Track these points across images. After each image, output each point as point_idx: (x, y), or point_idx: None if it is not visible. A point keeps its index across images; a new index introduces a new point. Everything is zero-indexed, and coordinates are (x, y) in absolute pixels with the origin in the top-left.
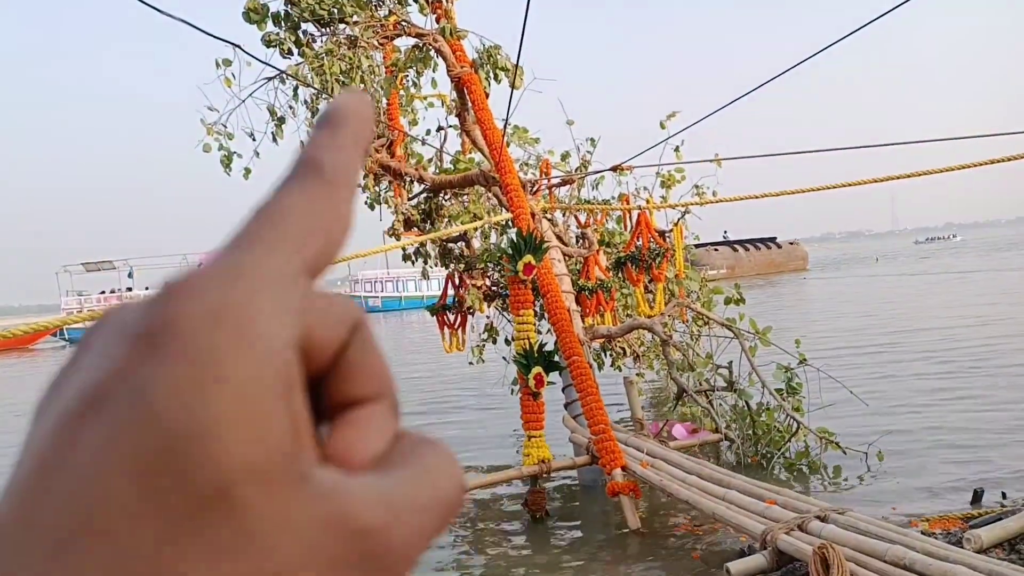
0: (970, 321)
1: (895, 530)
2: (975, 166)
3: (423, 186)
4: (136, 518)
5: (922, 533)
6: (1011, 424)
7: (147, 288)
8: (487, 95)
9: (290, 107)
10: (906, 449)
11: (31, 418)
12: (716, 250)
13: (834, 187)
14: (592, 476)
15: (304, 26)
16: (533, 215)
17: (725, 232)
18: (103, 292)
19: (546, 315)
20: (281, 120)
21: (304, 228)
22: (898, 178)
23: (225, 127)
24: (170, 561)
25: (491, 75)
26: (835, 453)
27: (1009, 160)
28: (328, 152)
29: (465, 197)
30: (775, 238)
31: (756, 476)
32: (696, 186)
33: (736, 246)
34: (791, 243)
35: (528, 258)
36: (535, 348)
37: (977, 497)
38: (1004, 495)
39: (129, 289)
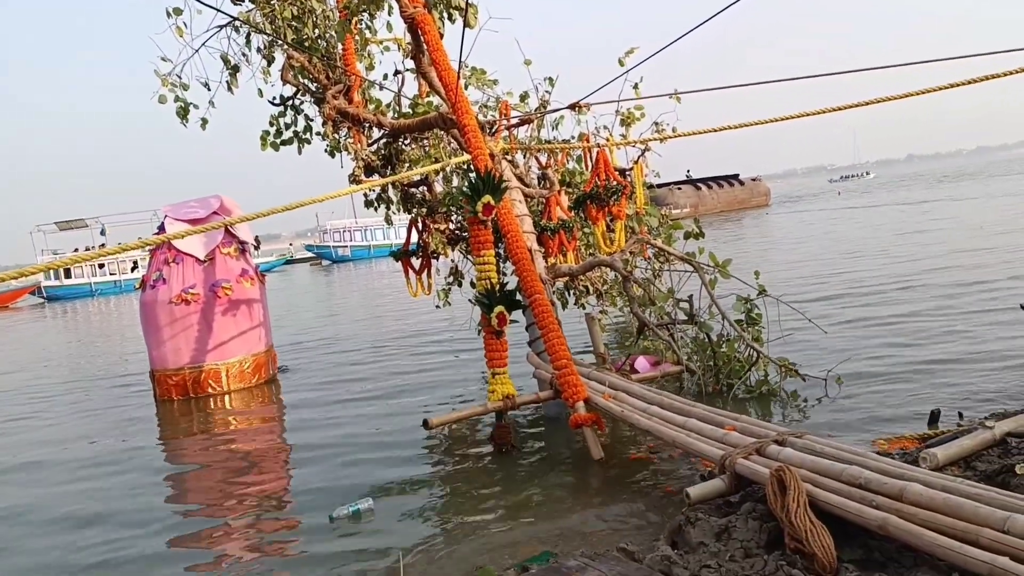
0: (927, 252)
1: (851, 451)
2: (933, 91)
3: (382, 131)
4: None
5: (878, 454)
6: (967, 348)
7: (119, 244)
8: (441, 35)
9: (244, 55)
10: (863, 376)
11: None
12: (679, 189)
13: (790, 118)
14: (556, 410)
15: None
16: (492, 156)
17: (688, 171)
18: (76, 249)
19: (507, 255)
20: (235, 69)
21: None
22: (853, 107)
23: (180, 78)
24: None
25: (445, 15)
26: (795, 382)
27: (968, 84)
28: None
29: (425, 142)
30: (738, 175)
31: (717, 405)
32: (656, 123)
33: (699, 184)
34: (753, 179)
35: (487, 198)
36: (497, 288)
37: (934, 418)
38: (960, 415)
39: (102, 246)
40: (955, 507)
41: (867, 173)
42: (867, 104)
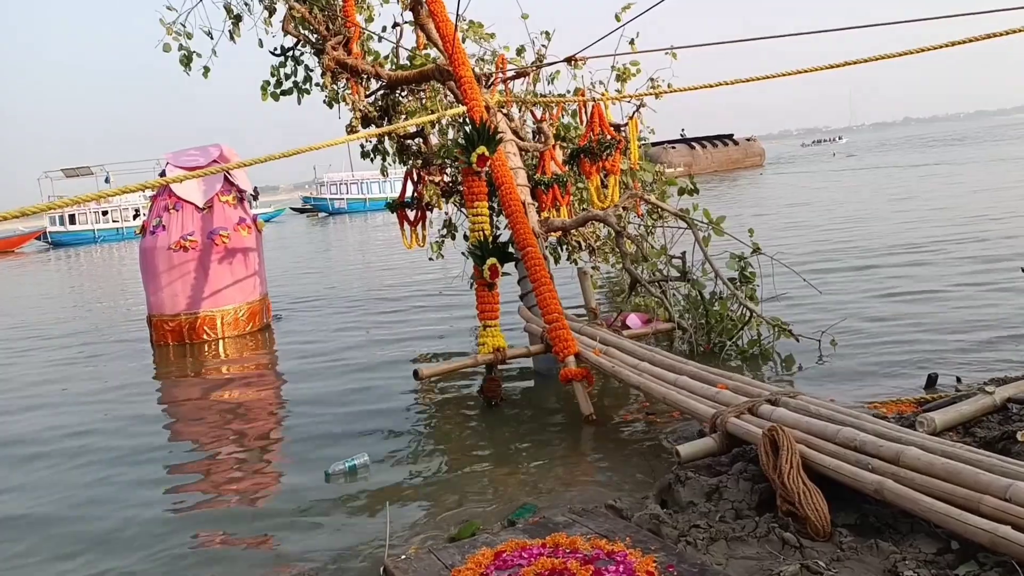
0: (919, 213)
1: (846, 413)
2: (927, 50)
3: (380, 83)
4: None
5: (874, 416)
6: (965, 312)
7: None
8: None
9: (246, 4)
10: (859, 337)
11: None
12: (673, 148)
13: (786, 75)
14: (547, 364)
15: None
16: (488, 108)
17: (682, 130)
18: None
19: (501, 208)
20: (238, 18)
21: None
22: (845, 65)
23: (184, 27)
24: None
25: None
26: (789, 342)
27: (966, 42)
28: None
29: (422, 94)
30: (732, 135)
31: (709, 364)
32: (651, 79)
33: (693, 144)
34: (748, 140)
35: (481, 149)
36: (489, 240)
37: (931, 382)
38: (959, 380)
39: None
40: (954, 473)
41: (839, 138)
42: (862, 62)
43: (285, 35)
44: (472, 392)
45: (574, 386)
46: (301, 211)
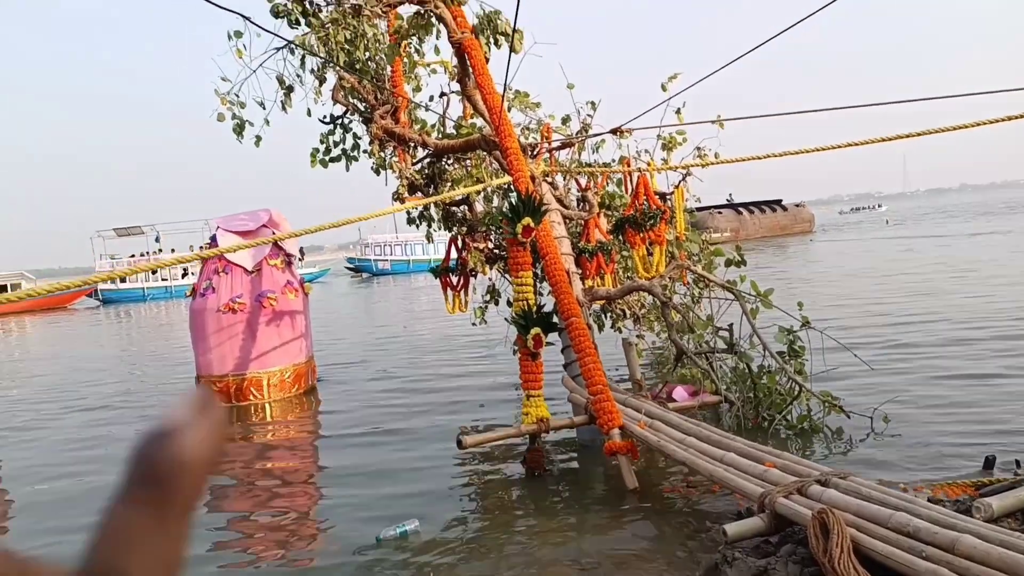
0: (981, 286)
1: (899, 496)
2: (985, 124)
3: (426, 151)
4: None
5: (928, 500)
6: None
7: (173, 251)
8: (487, 60)
9: (298, 76)
10: (913, 415)
11: None
12: (720, 213)
13: (835, 147)
14: (591, 435)
15: None
16: (533, 178)
17: (730, 195)
18: (133, 255)
19: (545, 277)
20: (290, 89)
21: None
22: (896, 139)
23: (237, 96)
24: None
25: (491, 40)
26: (838, 417)
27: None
28: (167, 468)
29: (468, 161)
30: (780, 200)
31: (756, 439)
32: (698, 148)
33: (740, 209)
34: (797, 205)
35: (527, 220)
36: (534, 309)
37: (988, 464)
38: (1018, 463)
39: (159, 251)
40: (1012, 564)
41: (879, 205)
42: (916, 135)
43: (335, 104)
44: (516, 462)
45: (618, 459)
46: (356, 271)
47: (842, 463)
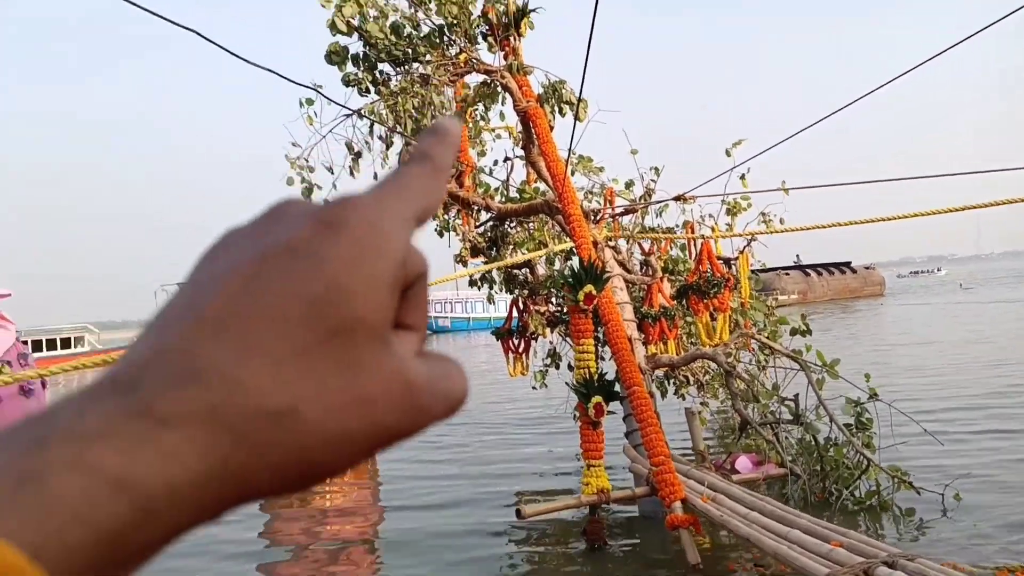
0: None
1: None
2: None
3: (490, 214)
4: (293, 324)
5: None
6: None
7: None
8: (552, 128)
9: (366, 142)
10: (985, 493)
11: (202, 258)
12: (787, 274)
13: (899, 218)
14: (652, 507)
15: (380, 66)
16: (596, 244)
17: (797, 256)
18: None
19: (606, 341)
20: (358, 155)
21: (420, 193)
22: (965, 209)
23: (307, 161)
24: (306, 361)
25: (556, 108)
26: (908, 494)
27: None
28: (435, 149)
29: (530, 224)
30: (849, 263)
31: (822, 514)
32: (763, 213)
33: (808, 270)
34: (867, 268)
35: (589, 287)
36: (595, 377)
37: None
38: None
39: None
40: None
41: (938, 269)
42: (982, 207)
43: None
44: (575, 533)
45: (681, 533)
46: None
47: (911, 542)
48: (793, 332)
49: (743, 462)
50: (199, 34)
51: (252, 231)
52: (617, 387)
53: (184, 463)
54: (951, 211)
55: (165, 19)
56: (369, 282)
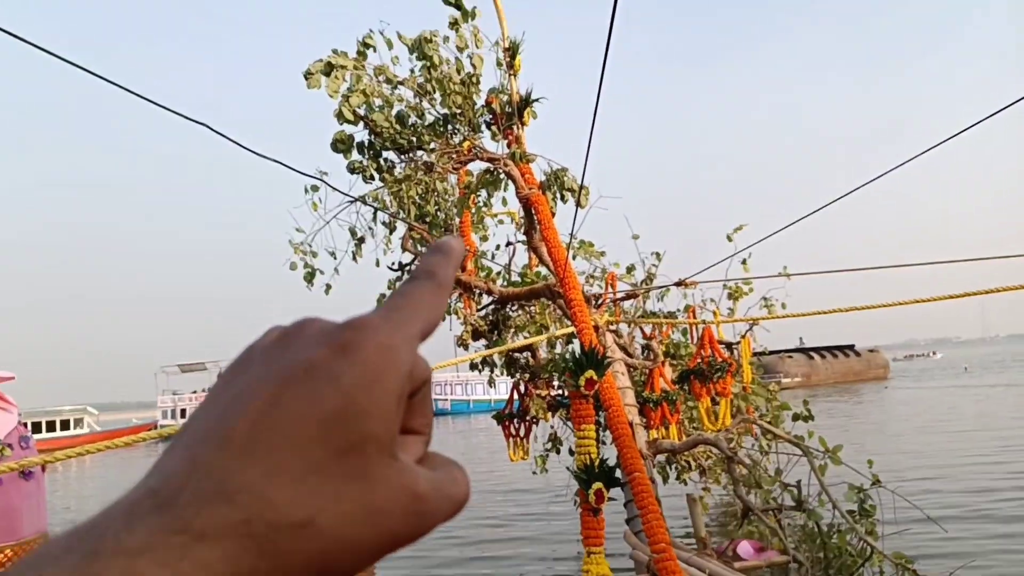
0: None
1: None
2: None
3: (491, 298)
4: (311, 443)
5: None
6: None
7: None
8: (553, 214)
9: (369, 228)
10: None
11: (225, 372)
12: (791, 357)
13: (900, 304)
14: None
15: (385, 153)
16: (597, 328)
17: (800, 339)
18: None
19: (607, 426)
20: (361, 240)
21: (425, 310)
22: (969, 295)
23: (310, 246)
24: (323, 476)
25: (558, 195)
26: None
27: None
28: (439, 267)
29: (532, 308)
30: (853, 345)
31: None
32: (764, 298)
33: (812, 353)
34: (871, 351)
35: (590, 373)
36: (596, 463)
37: None
38: None
39: None
40: None
41: (933, 353)
42: (984, 293)
43: (404, 252)
44: None
45: None
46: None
47: None
48: (795, 417)
49: (745, 548)
50: (210, 128)
51: (272, 349)
52: (618, 473)
53: (216, 572)
54: (950, 298)
55: (178, 113)
56: (379, 401)
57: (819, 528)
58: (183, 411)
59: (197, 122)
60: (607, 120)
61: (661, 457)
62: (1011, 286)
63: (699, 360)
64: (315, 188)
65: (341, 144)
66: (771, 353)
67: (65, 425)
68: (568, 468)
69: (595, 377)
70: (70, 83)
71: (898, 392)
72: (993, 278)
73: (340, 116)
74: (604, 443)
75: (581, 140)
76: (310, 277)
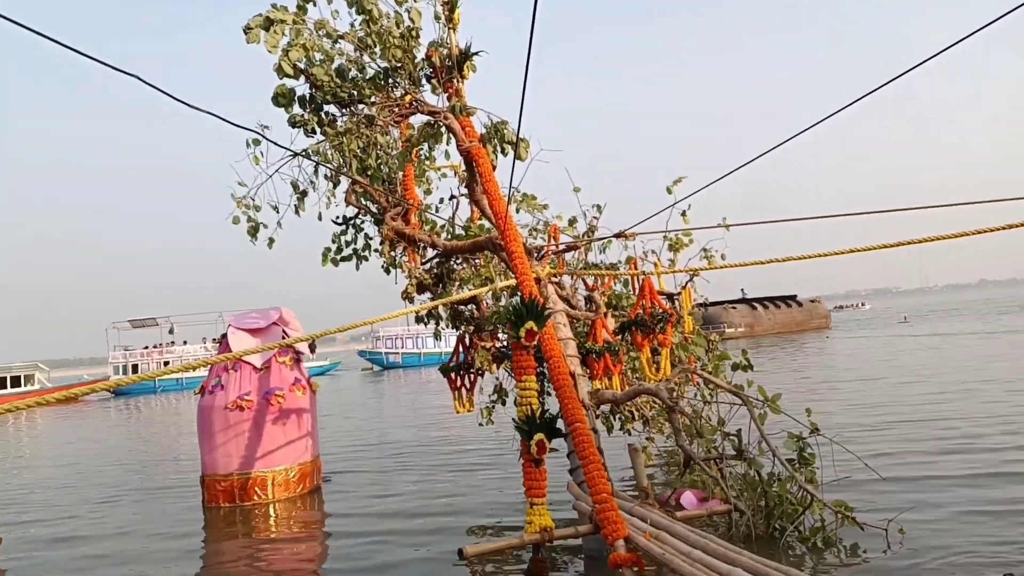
0: (996, 390)
1: None
2: (998, 230)
3: (436, 251)
4: None
5: None
6: None
7: (185, 342)
8: (494, 167)
9: (311, 182)
10: (929, 526)
11: None
12: (734, 308)
13: (841, 253)
14: (596, 546)
15: (326, 107)
16: (539, 280)
17: (743, 290)
18: (146, 347)
19: (549, 379)
20: (303, 194)
21: None
22: (909, 244)
23: (253, 200)
24: None
25: (499, 148)
26: (853, 529)
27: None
28: None
29: (476, 260)
30: (795, 296)
31: (768, 550)
32: (704, 249)
33: (755, 304)
34: (812, 301)
35: (530, 324)
36: (537, 414)
37: None
38: None
39: (171, 343)
40: None
41: (862, 304)
42: (929, 240)
43: (347, 206)
44: (519, 572)
45: (623, 572)
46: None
47: None
48: (735, 367)
49: (688, 498)
50: (141, 79)
51: None
52: (560, 424)
53: None
54: (883, 248)
55: (108, 65)
56: None
57: (760, 477)
58: (135, 367)
59: (128, 73)
60: (552, 75)
61: (605, 408)
62: (945, 235)
63: (640, 311)
64: (256, 142)
65: (282, 98)
66: (715, 304)
67: (16, 382)
68: (513, 419)
69: (535, 328)
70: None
71: (839, 342)
72: (931, 229)
73: (280, 71)
74: (549, 394)
75: (533, 93)
76: (254, 231)
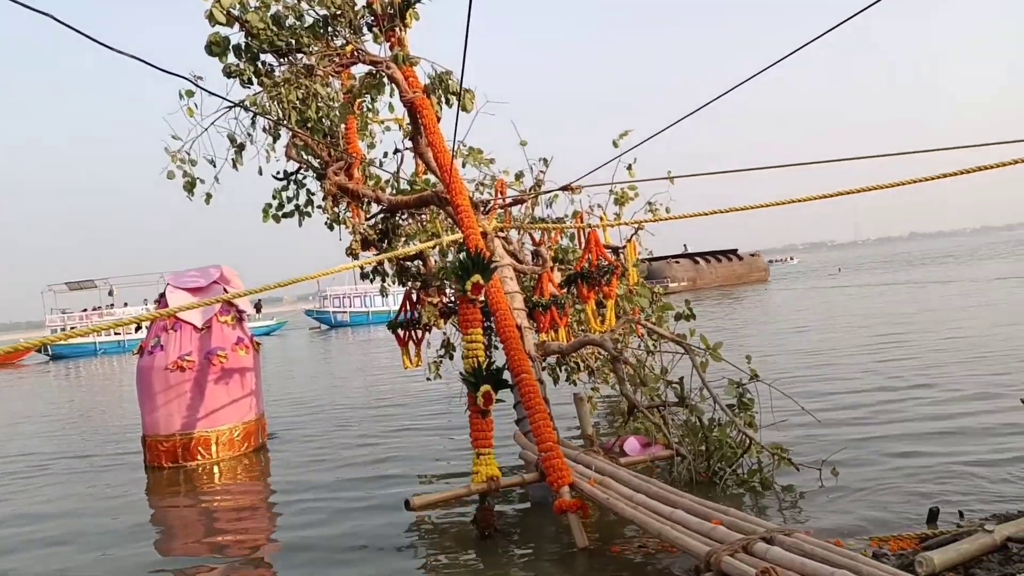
0: (924, 336)
1: (842, 553)
2: (924, 181)
3: (380, 207)
4: None
5: (874, 555)
6: (972, 441)
7: (125, 304)
8: (439, 119)
9: (249, 135)
10: (862, 466)
11: None
12: (677, 262)
13: (781, 204)
14: (543, 493)
15: (263, 57)
16: (485, 234)
17: (685, 245)
18: (85, 310)
19: (496, 332)
20: (241, 147)
21: None
22: (847, 193)
23: (188, 154)
24: None
25: (443, 99)
26: (789, 471)
27: (962, 174)
28: None
29: (422, 216)
30: (736, 250)
31: (708, 493)
32: (649, 203)
33: (697, 258)
34: (752, 255)
35: (476, 277)
36: (484, 366)
37: (933, 516)
38: (961, 515)
39: (110, 306)
40: None
41: (791, 258)
42: (858, 192)
43: (288, 160)
44: (466, 521)
45: (569, 517)
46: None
47: (792, 518)
48: (678, 317)
49: (631, 444)
50: (56, 19)
51: None
52: (507, 375)
53: None
54: (818, 198)
55: (19, 3)
56: None
57: (701, 422)
58: (72, 329)
59: (40, 12)
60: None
61: (551, 359)
62: (876, 185)
63: (585, 263)
64: (190, 93)
65: (216, 47)
66: (659, 259)
67: None
68: (460, 373)
69: (481, 281)
70: None
71: (778, 294)
72: (862, 181)
73: (212, 18)
74: (496, 348)
75: (481, 47)
76: (190, 187)
